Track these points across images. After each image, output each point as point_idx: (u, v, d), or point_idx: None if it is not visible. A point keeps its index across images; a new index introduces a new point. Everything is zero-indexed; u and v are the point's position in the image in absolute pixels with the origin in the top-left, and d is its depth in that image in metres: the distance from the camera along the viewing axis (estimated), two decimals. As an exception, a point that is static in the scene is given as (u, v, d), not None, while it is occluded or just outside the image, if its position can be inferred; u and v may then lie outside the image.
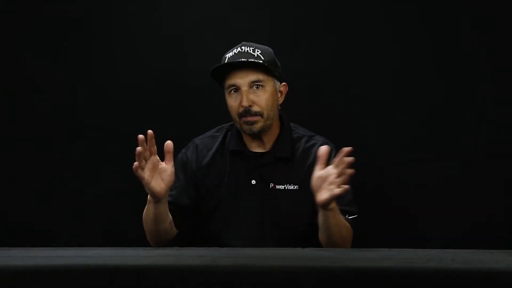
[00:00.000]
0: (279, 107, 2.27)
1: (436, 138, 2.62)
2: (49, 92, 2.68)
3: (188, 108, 2.67)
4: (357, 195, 2.59)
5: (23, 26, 2.68)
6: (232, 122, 2.29)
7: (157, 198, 2.01)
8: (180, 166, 2.27)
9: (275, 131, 2.27)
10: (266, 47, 2.26)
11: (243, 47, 2.23)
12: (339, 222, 2.06)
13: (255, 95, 2.19)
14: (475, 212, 2.58)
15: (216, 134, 2.32)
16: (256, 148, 2.26)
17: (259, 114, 2.19)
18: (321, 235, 2.08)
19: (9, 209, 2.66)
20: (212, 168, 2.27)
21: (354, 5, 2.66)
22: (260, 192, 2.22)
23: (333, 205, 1.99)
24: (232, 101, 2.21)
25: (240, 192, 2.23)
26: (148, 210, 2.09)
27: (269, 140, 2.26)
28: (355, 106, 2.65)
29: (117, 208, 2.64)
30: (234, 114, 2.22)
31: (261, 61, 2.19)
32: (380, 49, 2.65)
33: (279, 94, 2.27)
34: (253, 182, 2.23)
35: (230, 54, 2.23)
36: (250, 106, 2.17)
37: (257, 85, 2.19)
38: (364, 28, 2.65)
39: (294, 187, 2.23)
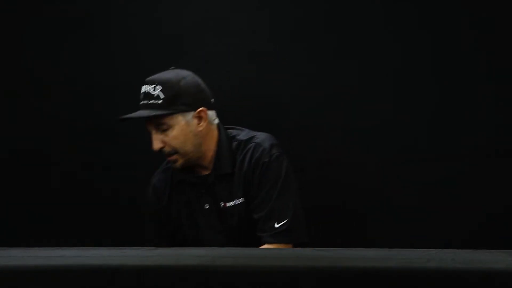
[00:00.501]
0: (201, 132, 2.22)
1: (436, 138, 2.62)
2: (49, 92, 2.68)
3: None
4: (357, 194, 2.60)
5: (23, 26, 2.68)
6: None
7: None
8: (148, 214, 2.34)
9: (210, 151, 2.25)
10: (173, 76, 2.21)
11: (145, 86, 2.21)
12: None
13: (164, 135, 2.19)
14: (475, 212, 2.58)
15: (167, 166, 2.33)
16: (200, 171, 2.27)
17: (174, 153, 2.20)
18: None
19: (9, 209, 2.66)
20: (171, 203, 2.30)
21: (354, 5, 2.66)
22: (215, 214, 2.24)
23: None
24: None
25: (198, 218, 2.26)
26: None
27: (209, 161, 2.25)
28: (355, 106, 2.65)
29: (117, 208, 2.64)
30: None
31: (160, 101, 2.16)
32: (380, 49, 2.64)
33: (196, 123, 2.21)
34: (206, 206, 2.25)
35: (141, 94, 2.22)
36: (162, 147, 2.19)
37: (163, 129, 2.18)
38: (364, 28, 2.65)
39: (240, 200, 2.23)
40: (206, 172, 2.26)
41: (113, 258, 1.58)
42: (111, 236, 2.59)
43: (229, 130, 2.30)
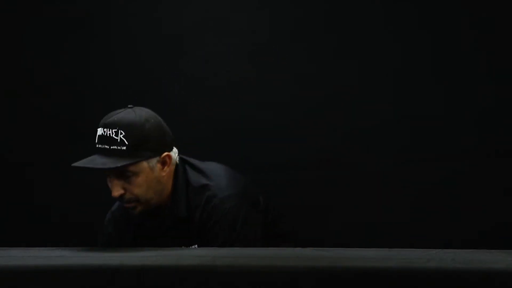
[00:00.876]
0: (163, 177, 2.11)
1: (436, 138, 2.62)
2: (49, 92, 2.68)
3: (188, 108, 2.67)
4: (357, 194, 2.60)
5: (23, 26, 2.68)
6: None
7: None
8: (105, 234, 2.24)
9: (165, 196, 2.13)
10: (136, 119, 2.05)
11: (104, 129, 2.05)
12: None
13: (126, 182, 2.04)
14: (475, 212, 2.58)
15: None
16: (157, 213, 2.14)
17: (134, 200, 2.07)
18: None
19: (9, 209, 2.66)
20: (135, 238, 2.20)
21: (354, 5, 2.66)
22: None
23: None
24: (110, 187, 2.08)
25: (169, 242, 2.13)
26: None
27: (165, 204, 2.14)
28: (355, 106, 2.65)
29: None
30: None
31: (124, 148, 2.01)
32: (380, 49, 2.64)
33: (160, 169, 2.08)
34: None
35: (96, 137, 2.08)
36: (122, 195, 2.05)
37: (126, 176, 2.03)
38: (364, 28, 2.65)
39: (194, 246, 2.10)
40: (163, 215, 2.14)
41: (113, 258, 1.58)
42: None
43: (185, 166, 2.16)
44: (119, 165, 1.99)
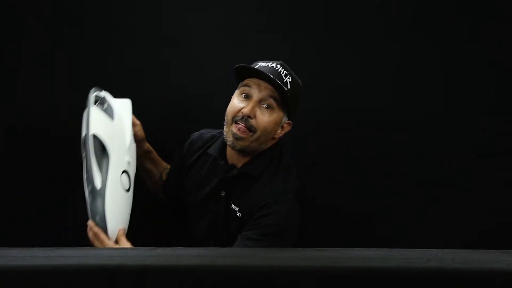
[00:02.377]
0: (273, 138, 2.21)
1: (436, 138, 2.61)
2: (49, 92, 2.68)
3: (188, 108, 2.67)
4: (358, 195, 2.60)
5: (23, 26, 2.68)
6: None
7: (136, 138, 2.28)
8: (179, 154, 2.39)
9: (255, 153, 2.20)
10: (299, 81, 2.21)
11: (278, 66, 2.16)
12: None
13: (261, 111, 2.13)
14: (475, 212, 2.58)
15: (217, 134, 2.32)
16: (233, 160, 2.22)
17: (253, 130, 2.12)
18: None
19: (9, 209, 2.66)
20: (194, 167, 2.30)
21: (354, 5, 2.66)
22: (223, 205, 2.20)
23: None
24: (237, 102, 2.15)
25: (209, 198, 2.23)
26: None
27: (245, 161, 2.21)
28: (355, 105, 2.65)
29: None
30: (229, 115, 2.16)
31: (286, 89, 2.13)
32: (380, 49, 2.64)
33: (280, 129, 2.19)
34: (222, 193, 2.21)
35: (264, 64, 2.17)
36: (249, 117, 2.11)
37: (268, 105, 2.13)
38: (364, 28, 2.65)
39: (238, 214, 2.17)
40: (238, 164, 2.21)
41: (113, 258, 1.59)
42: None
43: (282, 147, 2.26)
44: (282, 85, 2.11)
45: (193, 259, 1.53)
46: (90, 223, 2.04)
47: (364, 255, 1.60)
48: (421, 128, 2.62)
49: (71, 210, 2.65)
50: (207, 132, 2.37)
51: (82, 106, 2.67)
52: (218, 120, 2.30)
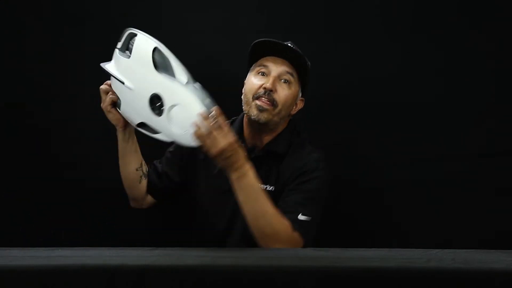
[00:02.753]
0: (289, 115, 2.27)
1: (436, 138, 2.61)
2: (48, 92, 2.68)
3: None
4: (358, 195, 2.60)
5: (22, 26, 2.68)
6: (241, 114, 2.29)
7: (119, 125, 2.19)
8: (177, 147, 2.31)
9: (275, 133, 2.25)
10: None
11: (289, 44, 2.25)
12: (251, 203, 1.99)
13: (280, 86, 2.19)
14: (475, 212, 2.58)
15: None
16: (253, 141, 2.25)
17: (275, 104, 2.17)
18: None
19: (9, 209, 2.66)
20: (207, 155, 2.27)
21: (354, 5, 2.66)
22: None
23: (234, 172, 1.98)
24: (255, 80, 2.20)
25: (226, 181, 2.16)
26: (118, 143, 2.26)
27: (266, 140, 2.24)
28: (355, 105, 2.65)
29: (117, 208, 2.63)
30: (249, 94, 2.20)
31: (305, 60, 2.22)
32: (380, 49, 2.64)
33: (295, 105, 2.27)
34: None
35: (270, 40, 2.23)
36: (271, 90, 2.16)
37: (286, 79, 2.20)
38: (364, 28, 2.65)
39: (270, 188, 2.18)
40: (258, 148, 2.24)
41: (113, 258, 1.59)
42: (111, 236, 2.59)
43: (295, 124, 2.32)
44: (300, 53, 2.22)
45: (193, 259, 1.53)
46: (215, 110, 1.94)
47: (364, 255, 1.60)
48: (421, 128, 2.62)
49: (71, 210, 2.65)
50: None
51: (82, 105, 2.67)
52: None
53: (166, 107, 1.95)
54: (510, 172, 2.58)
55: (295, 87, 2.22)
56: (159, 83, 1.96)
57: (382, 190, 2.62)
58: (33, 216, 2.65)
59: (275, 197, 2.14)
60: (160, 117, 1.97)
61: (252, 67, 2.26)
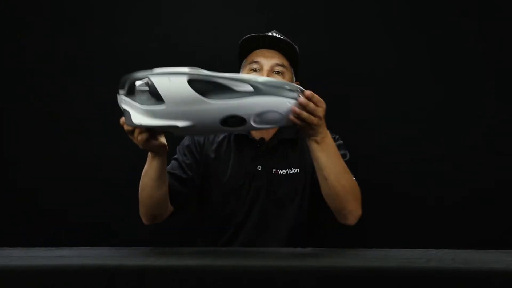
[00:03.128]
0: None
1: (436, 138, 2.61)
2: (48, 92, 2.68)
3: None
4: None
5: (22, 25, 2.68)
6: None
7: (159, 151, 1.94)
8: (185, 147, 2.26)
9: None
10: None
11: (274, 33, 2.26)
12: (333, 161, 1.99)
13: (274, 78, 2.19)
14: (475, 212, 2.58)
15: None
16: (260, 135, 2.25)
17: None
18: (320, 184, 2.02)
19: (9, 209, 2.66)
20: (218, 153, 2.26)
21: (354, 5, 2.66)
22: (263, 178, 2.21)
23: (318, 136, 1.94)
24: None
25: (244, 177, 2.21)
26: (149, 169, 2.00)
27: (273, 130, 2.25)
28: (356, 105, 2.65)
29: (117, 208, 2.64)
30: None
31: (294, 46, 2.24)
32: (380, 49, 2.64)
33: None
34: (259, 168, 2.22)
35: (261, 35, 2.24)
36: None
37: (278, 71, 2.21)
38: (364, 28, 2.65)
39: (295, 170, 2.22)
40: (267, 137, 2.25)
41: (113, 258, 1.59)
42: (111, 236, 2.59)
43: None
44: (290, 43, 2.24)
45: (193, 259, 1.53)
46: (308, 92, 1.83)
47: (364, 255, 1.60)
48: (421, 128, 2.62)
49: (71, 210, 2.65)
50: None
51: (81, 105, 2.67)
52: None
53: (249, 120, 1.71)
54: (510, 172, 2.58)
55: (288, 75, 2.24)
56: (224, 108, 1.68)
57: (382, 190, 2.62)
58: (33, 216, 2.65)
59: (300, 179, 2.20)
60: (242, 127, 1.73)
61: (243, 64, 2.28)
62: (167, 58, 2.66)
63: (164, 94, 1.66)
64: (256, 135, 2.26)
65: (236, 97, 1.66)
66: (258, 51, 2.24)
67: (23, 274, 1.43)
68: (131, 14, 2.69)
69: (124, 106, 1.77)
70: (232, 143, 2.27)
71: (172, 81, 1.67)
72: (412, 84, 2.63)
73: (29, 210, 2.66)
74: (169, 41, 2.69)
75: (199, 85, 1.66)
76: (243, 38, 2.25)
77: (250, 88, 1.66)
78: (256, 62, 2.22)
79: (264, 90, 1.68)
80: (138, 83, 1.71)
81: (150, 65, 2.67)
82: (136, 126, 1.76)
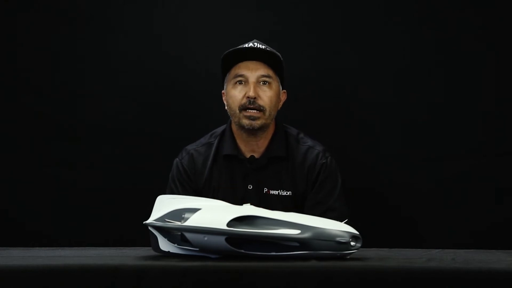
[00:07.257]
0: (277, 111, 2.24)
1: (436, 138, 2.61)
2: (48, 92, 2.68)
3: (187, 109, 2.67)
4: (360, 195, 2.60)
5: (21, 25, 2.68)
6: (224, 127, 2.27)
7: None
8: (176, 178, 2.25)
9: (269, 135, 2.24)
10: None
11: (255, 44, 2.21)
12: None
13: (261, 90, 2.17)
14: (475, 212, 2.58)
15: (211, 140, 2.27)
16: (249, 153, 2.23)
17: (262, 109, 2.15)
18: None
19: (9, 209, 2.66)
20: (209, 176, 2.24)
21: (355, 5, 2.65)
22: (255, 197, 2.19)
23: None
24: (236, 92, 2.17)
25: (236, 197, 2.20)
26: None
27: (263, 145, 2.23)
28: (357, 105, 2.65)
29: (117, 208, 2.64)
30: (234, 107, 2.18)
31: (278, 55, 2.20)
32: (381, 49, 2.64)
33: (279, 100, 2.25)
34: (250, 187, 2.21)
35: (241, 47, 2.20)
36: (255, 98, 2.14)
37: (265, 81, 2.17)
38: (365, 28, 2.65)
39: (287, 193, 2.20)
40: (255, 155, 2.23)
41: (113, 258, 1.59)
42: (111, 236, 2.59)
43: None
44: (276, 53, 2.19)
45: (193, 259, 1.53)
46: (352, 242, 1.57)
47: (364, 255, 1.60)
48: (421, 128, 2.62)
49: (71, 209, 2.65)
50: (194, 147, 2.29)
51: (81, 105, 2.67)
52: (219, 118, 2.30)
53: None
54: (510, 172, 2.57)
55: (275, 85, 2.21)
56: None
57: (382, 190, 2.62)
58: (33, 216, 2.65)
59: (293, 201, 2.19)
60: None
61: (226, 77, 2.23)
62: (166, 57, 2.66)
63: (200, 247, 1.55)
64: (246, 153, 2.24)
65: (279, 252, 1.53)
66: (241, 64, 2.19)
67: (23, 274, 1.43)
68: (129, 14, 2.69)
69: (152, 230, 1.62)
70: (222, 162, 2.24)
71: (208, 240, 1.53)
72: (412, 84, 2.63)
73: (29, 210, 2.66)
74: (169, 41, 2.69)
75: (238, 241, 1.53)
76: (224, 53, 2.20)
77: (296, 244, 1.52)
78: (240, 76, 2.18)
79: (312, 245, 1.51)
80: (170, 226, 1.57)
81: (149, 65, 2.69)
82: (163, 254, 1.61)
